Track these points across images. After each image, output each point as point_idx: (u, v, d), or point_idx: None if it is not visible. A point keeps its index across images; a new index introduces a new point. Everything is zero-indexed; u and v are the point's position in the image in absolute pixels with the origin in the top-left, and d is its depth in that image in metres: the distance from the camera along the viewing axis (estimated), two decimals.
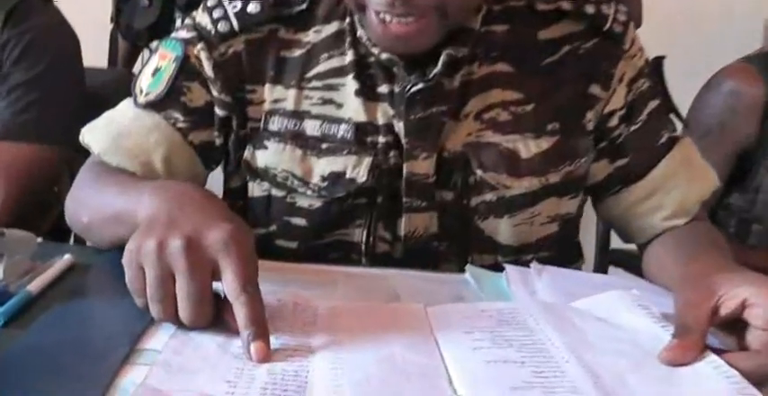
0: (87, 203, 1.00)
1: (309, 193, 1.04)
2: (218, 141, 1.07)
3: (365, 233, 1.05)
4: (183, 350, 0.71)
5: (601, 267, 1.84)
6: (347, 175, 1.02)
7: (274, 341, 0.73)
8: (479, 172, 1.03)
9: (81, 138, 1.08)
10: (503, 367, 0.71)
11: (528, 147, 1.04)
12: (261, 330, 0.72)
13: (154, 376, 0.66)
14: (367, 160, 1.02)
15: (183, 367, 0.68)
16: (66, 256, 0.91)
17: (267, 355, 0.71)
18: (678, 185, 1.10)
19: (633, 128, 1.09)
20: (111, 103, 1.10)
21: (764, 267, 1.49)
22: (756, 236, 1.61)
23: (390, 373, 0.69)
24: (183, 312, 0.73)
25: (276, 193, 1.06)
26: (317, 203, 1.04)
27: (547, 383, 0.69)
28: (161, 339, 0.73)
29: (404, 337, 0.77)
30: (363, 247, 1.05)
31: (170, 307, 0.74)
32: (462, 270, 1.00)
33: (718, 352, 0.75)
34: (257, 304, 0.73)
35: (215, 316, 0.75)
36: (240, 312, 0.72)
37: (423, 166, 1.02)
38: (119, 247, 0.78)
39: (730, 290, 0.78)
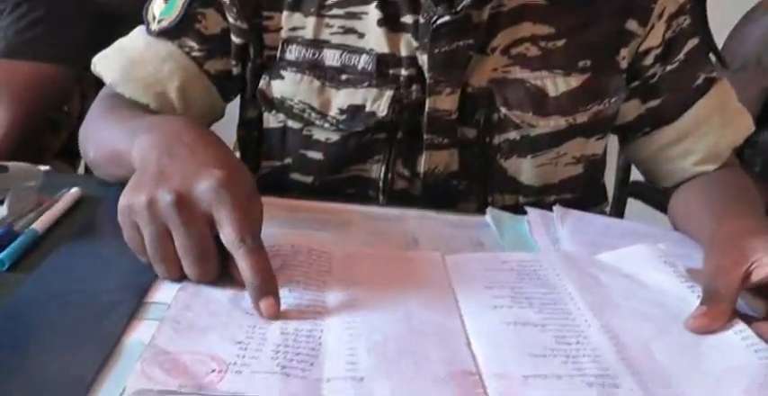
0: (93, 139, 0.98)
1: (327, 126, 1.00)
2: (235, 70, 1.02)
3: (383, 169, 1.02)
4: (193, 304, 0.68)
5: (620, 200, 1.81)
6: (367, 109, 0.98)
7: (288, 294, 0.71)
8: (504, 109, 0.99)
9: (93, 67, 1.04)
10: (523, 331, 0.69)
11: (556, 84, 1.00)
12: (267, 285, 0.68)
13: (162, 335, 0.63)
14: (388, 94, 0.98)
15: (193, 325, 0.65)
16: (74, 190, 0.88)
17: (277, 311, 0.67)
18: (711, 130, 1.06)
19: (669, 68, 1.04)
20: (131, 22, 1.05)
21: None
22: None
23: (407, 334, 0.66)
24: (187, 270, 0.70)
25: (292, 124, 1.02)
26: (335, 137, 1.01)
27: (569, 351, 0.66)
28: (170, 291, 0.70)
29: (421, 291, 0.74)
30: (381, 183, 1.02)
31: (173, 266, 0.70)
32: (482, 210, 0.98)
33: (747, 319, 0.73)
34: (259, 255, 0.69)
35: (223, 269, 0.72)
36: (242, 265, 0.68)
37: (446, 101, 0.98)
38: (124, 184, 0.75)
39: (765, 256, 0.74)
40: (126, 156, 0.80)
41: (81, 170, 1.59)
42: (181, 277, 0.71)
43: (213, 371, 0.59)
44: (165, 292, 0.70)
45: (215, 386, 0.58)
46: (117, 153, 0.84)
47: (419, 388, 0.59)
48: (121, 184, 0.74)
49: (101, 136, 0.95)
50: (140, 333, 0.64)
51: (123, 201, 0.71)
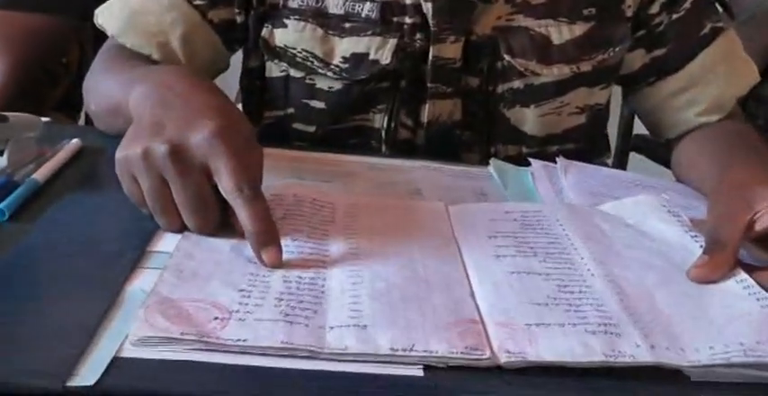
0: (94, 90, 0.97)
1: (330, 74, 0.99)
2: (239, 19, 1.01)
3: (386, 119, 1.01)
4: (195, 253, 0.68)
5: (623, 154, 1.80)
6: (370, 57, 0.97)
7: (290, 243, 0.70)
8: (507, 57, 0.98)
9: (95, 19, 1.02)
10: (526, 280, 0.69)
11: (561, 32, 0.99)
12: (268, 233, 0.67)
13: (164, 283, 0.63)
14: (392, 42, 0.97)
15: (196, 273, 0.65)
16: (75, 140, 0.87)
17: (279, 259, 0.67)
18: (716, 80, 1.05)
19: (675, 16, 1.03)
20: None
21: None
22: None
23: (411, 282, 0.66)
24: (188, 220, 0.70)
25: (295, 73, 1.01)
26: (337, 85, 1.00)
27: (572, 300, 0.66)
28: (173, 239, 0.70)
29: (425, 240, 0.74)
30: (384, 133, 1.02)
31: (173, 217, 0.70)
32: (485, 161, 0.97)
33: (749, 268, 0.72)
34: (258, 204, 0.68)
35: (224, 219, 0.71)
36: (241, 215, 0.67)
37: (450, 49, 0.97)
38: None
39: None
40: (124, 106, 0.79)
41: (81, 122, 1.59)
42: (182, 228, 0.71)
43: (216, 318, 0.59)
44: (167, 241, 0.70)
45: (218, 333, 0.58)
46: (116, 104, 0.84)
47: (422, 336, 0.59)
48: (121, 135, 0.73)
49: (101, 88, 0.94)
50: (143, 281, 0.64)
51: (120, 153, 0.70)
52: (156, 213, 0.70)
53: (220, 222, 0.71)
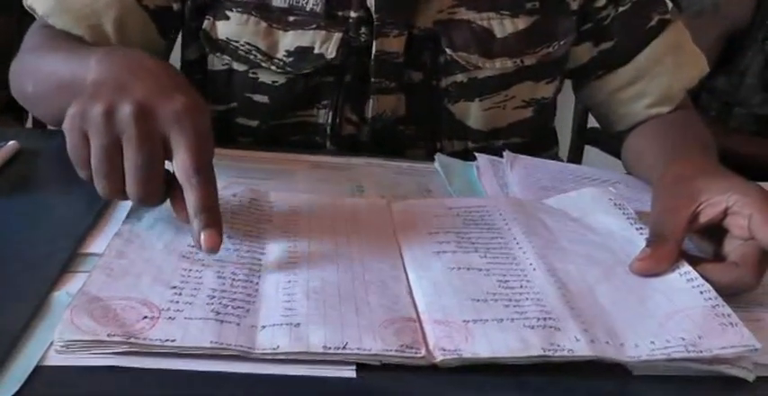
0: (31, 71, 0.91)
1: (273, 68, 0.97)
2: (175, 6, 0.98)
3: (331, 114, 0.99)
4: (127, 251, 0.66)
5: (577, 148, 1.80)
6: (315, 51, 0.96)
7: (227, 241, 0.68)
8: (449, 51, 0.97)
9: (24, 1, 0.98)
10: (466, 275, 0.67)
11: (503, 26, 0.98)
12: (213, 217, 0.65)
13: (93, 282, 0.61)
14: (337, 36, 0.95)
15: (126, 271, 0.63)
16: (12, 143, 0.85)
17: (217, 244, 0.64)
18: (664, 72, 1.04)
19: (621, 9, 1.03)
20: None
21: (744, 152, 1.49)
22: (738, 119, 1.58)
23: (348, 280, 0.65)
24: (131, 187, 0.65)
25: (237, 67, 0.99)
26: (281, 80, 0.98)
27: (511, 295, 0.65)
28: (105, 241, 0.68)
29: (364, 238, 0.72)
30: (329, 129, 1.00)
31: (117, 182, 0.65)
32: (431, 157, 0.96)
33: (694, 260, 0.72)
34: (211, 188, 0.65)
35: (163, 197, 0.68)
36: (191, 196, 0.64)
37: (393, 43, 0.95)
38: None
39: (713, 196, 0.73)
40: (78, 82, 0.74)
41: (29, 125, 1.55)
42: (121, 196, 0.66)
43: (145, 317, 0.58)
44: (99, 243, 0.68)
45: (146, 334, 0.56)
46: (67, 81, 0.79)
47: (356, 334, 0.58)
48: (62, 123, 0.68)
49: (42, 67, 0.89)
50: (71, 286, 0.62)
51: (75, 107, 0.65)
52: (99, 175, 0.65)
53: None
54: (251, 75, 0.99)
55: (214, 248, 0.64)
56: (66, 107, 0.68)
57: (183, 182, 0.65)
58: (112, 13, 0.94)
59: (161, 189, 0.67)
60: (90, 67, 0.74)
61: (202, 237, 0.64)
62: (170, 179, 0.67)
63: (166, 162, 0.66)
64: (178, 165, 0.65)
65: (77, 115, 0.65)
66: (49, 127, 0.97)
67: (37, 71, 0.90)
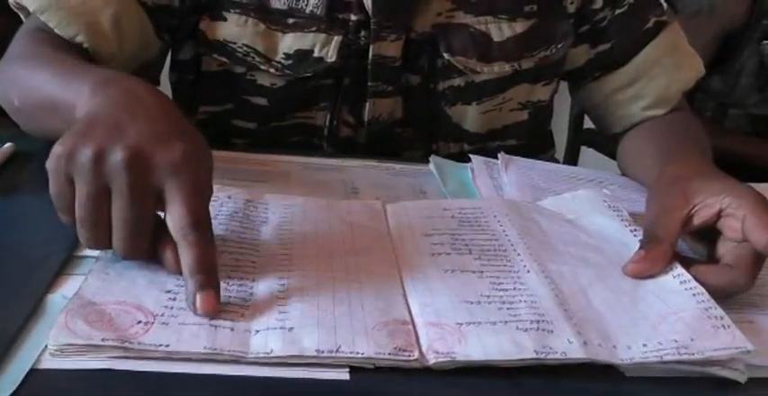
0: (19, 83, 0.85)
1: (272, 70, 0.97)
2: (175, 3, 0.95)
3: (329, 116, 0.99)
4: None
5: (573, 149, 1.81)
6: (315, 54, 0.95)
7: (222, 244, 0.68)
8: (447, 55, 0.97)
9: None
10: (460, 277, 0.68)
11: (501, 30, 0.98)
12: (210, 279, 0.59)
13: (89, 286, 0.61)
14: (337, 39, 0.95)
15: (122, 274, 0.63)
16: (8, 145, 0.85)
17: (215, 308, 0.59)
18: (661, 74, 1.05)
19: (618, 11, 1.03)
20: None
21: (740, 152, 1.49)
22: (733, 120, 1.59)
23: (342, 283, 0.65)
24: (117, 242, 0.61)
25: (235, 69, 0.98)
26: (280, 82, 0.98)
27: (505, 297, 0.65)
28: None
29: (359, 240, 0.73)
30: (326, 131, 1.00)
31: (102, 233, 0.61)
32: (427, 159, 0.96)
33: (688, 262, 0.72)
34: (208, 246, 0.60)
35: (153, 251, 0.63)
36: (187, 255, 0.59)
37: (390, 47, 0.96)
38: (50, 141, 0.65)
39: (707, 198, 0.73)
40: (66, 107, 0.70)
41: None
42: (105, 247, 0.62)
43: (139, 322, 0.58)
44: None
45: (140, 338, 0.56)
46: (53, 102, 0.75)
47: (349, 337, 0.58)
48: (49, 138, 0.66)
49: (29, 80, 0.83)
50: (66, 288, 0.62)
51: (61, 147, 0.60)
52: (84, 225, 0.61)
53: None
54: (249, 77, 0.99)
55: (210, 311, 0.59)
56: (54, 128, 0.65)
57: (177, 238, 0.60)
58: (110, 10, 0.91)
59: (148, 244, 0.62)
60: (83, 95, 0.69)
61: (198, 299, 0.59)
62: (160, 229, 0.62)
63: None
64: (173, 220, 0.60)
65: (63, 156, 0.60)
66: None
67: (23, 84, 0.84)
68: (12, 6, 0.94)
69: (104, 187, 0.60)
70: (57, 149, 0.60)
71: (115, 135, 0.60)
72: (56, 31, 0.90)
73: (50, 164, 0.61)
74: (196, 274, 0.59)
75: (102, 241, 0.61)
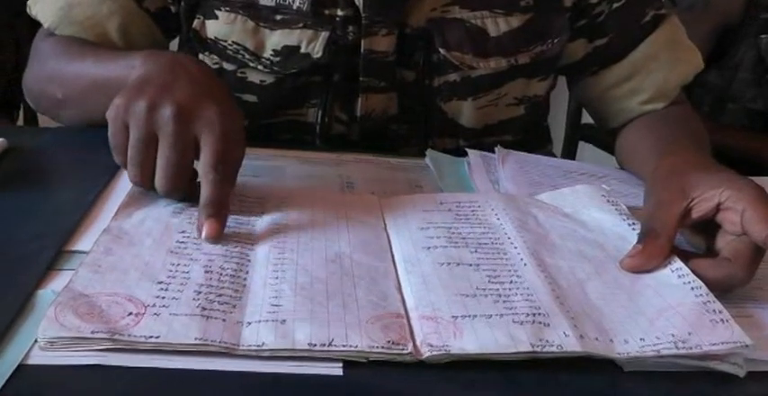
0: (60, 76, 0.94)
1: (261, 67, 0.97)
2: (173, 8, 0.98)
3: (320, 113, 0.99)
4: (115, 248, 0.66)
5: (571, 144, 1.80)
6: (302, 50, 0.95)
7: None
8: (443, 51, 0.96)
9: (29, 10, 1.00)
10: (456, 271, 0.67)
11: (497, 24, 0.97)
12: (218, 210, 0.69)
13: (79, 278, 0.61)
14: (323, 35, 0.94)
15: (114, 266, 0.63)
16: (0, 140, 0.84)
17: (217, 233, 0.68)
18: (659, 68, 1.04)
19: (616, 5, 1.02)
20: None
21: (737, 146, 1.48)
22: (730, 115, 1.58)
23: (336, 276, 0.64)
24: (159, 180, 0.71)
25: (226, 66, 0.98)
26: (270, 79, 0.97)
27: (501, 290, 0.64)
28: (92, 238, 0.67)
29: (354, 233, 0.72)
30: (318, 128, 1.00)
31: (147, 171, 0.71)
32: (422, 156, 0.95)
33: (686, 255, 0.71)
34: (224, 186, 0.70)
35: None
36: (203, 190, 0.69)
37: (382, 42, 0.95)
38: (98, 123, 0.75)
39: (706, 191, 0.72)
40: (120, 80, 0.78)
41: (20, 122, 1.54)
42: (148, 186, 0.72)
43: (130, 314, 0.57)
44: (86, 240, 0.68)
45: (130, 330, 0.55)
46: (103, 81, 0.84)
47: (342, 330, 0.57)
48: (95, 125, 0.74)
49: (71, 70, 0.92)
50: (56, 283, 0.61)
51: (120, 99, 0.71)
52: (134, 164, 0.71)
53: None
54: (239, 74, 0.98)
55: (213, 236, 0.68)
56: (102, 106, 0.72)
57: (201, 177, 0.70)
58: (116, 21, 0.96)
59: (185, 186, 0.72)
60: (134, 66, 0.79)
61: (205, 225, 0.68)
62: (196, 178, 0.73)
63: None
64: (201, 162, 0.70)
65: (122, 106, 0.71)
66: (41, 125, 0.96)
67: (65, 75, 0.93)
68: (31, 16, 1.00)
69: (153, 133, 0.70)
70: (116, 101, 0.71)
71: (164, 92, 0.71)
72: None
73: (110, 112, 0.71)
74: (207, 205, 0.69)
75: (147, 179, 0.72)
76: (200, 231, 0.68)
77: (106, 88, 0.81)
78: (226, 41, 0.96)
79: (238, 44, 0.96)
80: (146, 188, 0.73)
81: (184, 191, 0.73)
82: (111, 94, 0.74)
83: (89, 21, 0.96)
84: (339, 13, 0.94)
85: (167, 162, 0.70)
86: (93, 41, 0.96)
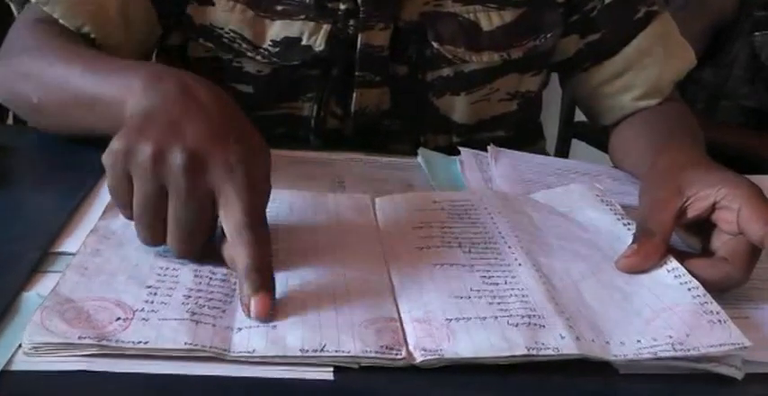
0: (36, 78, 0.82)
1: (259, 58, 0.95)
2: None
3: (316, 107, 0.98)
4: (103, 250, 0.64)
5: (564, 141, 1.79)
6: (303, 42, 0.94)
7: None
8: (436, 44, 0.95)
9: None
10: (450, 271, 0.66)
11: (490, 19, 0.96)
12: (266, 279, 0.58)
13: (66, 282, 0.59)
14: (326, 28, 0.93)
15: (101, 269, 0.62)
16: None
17: (268, 310, 0.57)
18: (652, 64, 1.03)
19: (608, 0, 1.01)
20: None
21: (731, 144, 1.48)
22: (724, 112, 1.58)
23: (327, 279, 0.63)
24: (172, 242, 0.61)
25: (221, 55, 0.96)
26: (266, 70, 0.96)
27: (495, 291, 0.63)
28: (79, 239, 0.66)
29: (346, 234, 0.71)
30: (313, 122, 0.98)
31: (159, 234, 0.61)
32: (415, 152, 0.94)
33: (682, 255, 0.70)
34: (264, 246, 0.59)
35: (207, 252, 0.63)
36: (243, 254, 0.58)
37: (378, 37, 0.94)
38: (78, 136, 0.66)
39: (701, 190, 0.71)
40: (114, 102, 0.68)
41: (10, 121, 1.53)
42: (162, 244, 0.62)
43: (118, 319, 0.56)
44: (72, 241, 0.66)
45: (118, 335, 0.54)
46: (91, 99, 0.72)
47: (334, 335, 0.56)
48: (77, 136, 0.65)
49: (52, 75, 0.80)
50: (41, 286, 0.60)
51: (120, 143, 0.60)
52: (141, 225, 0.61)
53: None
54: (235, 64, 0.97)
55: (265, 316, 0.57)
56: (86, 125, 0.65)
57: (232, 237, 0.59)
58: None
59: (202, 244, 0.62)
60: (133, 90, 0.66)
61: (253, 302, 0.57)
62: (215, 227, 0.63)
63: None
64: (227, 219, 0.60)
65: (122, 153, 0.59)
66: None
67: (43, 80, 0.81)
68: None
69: (161, 187, 0.59)
70: (114, 145, 0.60)
71: (173, 134, 0.60)
72: (61, 21, 0.88)
73: (108, 159, 0.60)
74: (252, 274, 0.58)
75: (159, 239, 0.62)
76: (247, 309, 0.57)
77: (93, 107, 0.72)
78: (222, 29, 0.94)
79: (236, 33, 0.94)
80: (155, 246, 0.63)
81: (200, 250, 0.63)
82: (99, 113, 0.68)
83: None
84: (341, 6, 0.93)
85: (179, 222, 0.60)
86: (81, 24, 0.88)
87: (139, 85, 0.66)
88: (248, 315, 0.57)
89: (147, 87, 0.66)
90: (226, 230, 0.60)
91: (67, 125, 0.78)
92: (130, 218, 0.62)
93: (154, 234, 0.61)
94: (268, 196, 0.63)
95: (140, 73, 0.68)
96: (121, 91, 0.68)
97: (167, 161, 0.59)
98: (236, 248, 0.59)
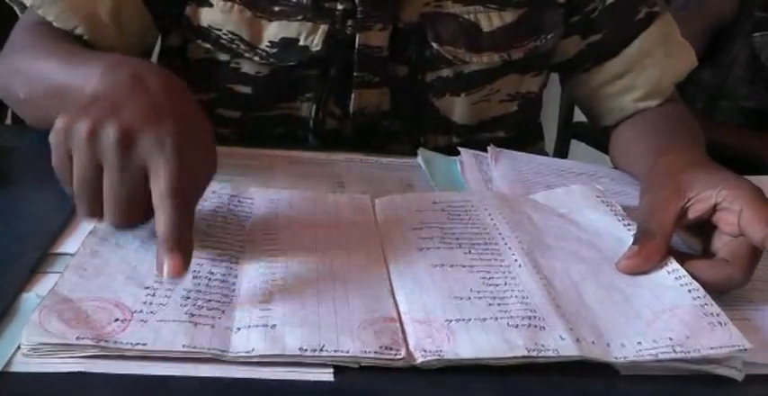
0: (23, 74, 0.85)
1: (257, 58, 0.95)
2: None
3: (314, 108, 0.97)
4: (101, 250, 0.64)
5: (563, 142, 1.79)
6: (300, 43, 0.93)
7: (205, 239, 0.67)
8: (435, 45, 0.95)
9: None
10: (450, 272, 0.66)
11: (490, 19, 0.96)
12: (179, 244, 0.59)
13: (65, 282, 0.59)
14: (323, 28, 0.93)
15: (100, 270, 0.62)
16: None
17: (180, 272, 0.58)
18: (653, 65, 1.03)
19: (609, 1, 1.01)
20: None
21: (732, 144, 1.48)
22: (724, 112, 1.58)
23: (327, 279, 0.63)
24: (108, 215, 0.62)
25: (219, 56, 0.96)
26: (264, 71, 0.96)
27: (496, 292, 0.63)
28: (78, 240, 0.66)
29: (345, 235, 0.71)
30: (312, 122, 0.98)
31: (96, 206, 0.62)
32: (415, 152, 0.94)
33: (683, 257, 0.70)
34: (182, 214, 0.60)
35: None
36: (159, 221, 0.59)
37: (377, 37, 0.93)
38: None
39: (702, 191, 0.71)
40: (75, 90, 0.70)
41: (9, 121, 1.52)
42: (99, 220, 0.63)
43: (116, 320, 0.56)
44: (71, 242, 0.66)
45: (116, 337, 0.54)
46: (61, 88, 0.75)
47: (333, 335, 0.56)
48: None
49: (34, 71, 0.83)
50: (40, 287, 0.60)
51: (61, 122, 0.61)
52: (80, 200, 0.62)
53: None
54: (233, 65, 0.96)
55: (176, 275, 0.58)
56: (55, 114, 0.64)
57: (156, 206, 0.60)
58: (108, 3, 0.90)
59: (140, 218, 0.63)
60: (92, 77, 0.68)
61: (165, 263, 0.58)
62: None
63: None
64: (153, 189, 0.60)
65: (62, 132, 0.61)
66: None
67: (28, 75, 0.85)
68: (7, 1, 0.93)
69: (97, 163, 0.61)
70: (57, 123, 0.62)
71: (110, 113, 0.61)
72: (54, 24, 0.89)
73: (52, 137, 0.62)
74: (166, 238, 0.59)
75: (97, 213, 0.62)
76: (160, 269, 0.58)
77: (61, 96, 0.74)
78: (220, 30, 0.94)
79: (234, 34, 0.94)
80: (97, 222, 0.64)
81: (139, 223, 0.64)
82: (68, 102, 0.68)
83: (79, 0, 0.89)
84: (339, 6, 0.92)
85: (114, 197, 0.61)
86: (74, 26, 0.89)
87: (98, 72, 0.69)
88: (160, 275, 0.58)
89: (104, 73, 0.68)
90: (152, 199, 0.60)
91: (48, 118, 0.78)
92: (71, 192, 0.63)
93: (91, 209, 0.62)
94: (206, 173, 0.65)
95: (102, 62, 0.71)
96: (84, 79, 0.70)
97: (101, 137, 0.60)
98: (157, 216, 0.60)
